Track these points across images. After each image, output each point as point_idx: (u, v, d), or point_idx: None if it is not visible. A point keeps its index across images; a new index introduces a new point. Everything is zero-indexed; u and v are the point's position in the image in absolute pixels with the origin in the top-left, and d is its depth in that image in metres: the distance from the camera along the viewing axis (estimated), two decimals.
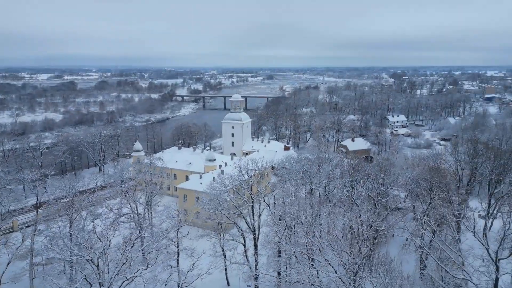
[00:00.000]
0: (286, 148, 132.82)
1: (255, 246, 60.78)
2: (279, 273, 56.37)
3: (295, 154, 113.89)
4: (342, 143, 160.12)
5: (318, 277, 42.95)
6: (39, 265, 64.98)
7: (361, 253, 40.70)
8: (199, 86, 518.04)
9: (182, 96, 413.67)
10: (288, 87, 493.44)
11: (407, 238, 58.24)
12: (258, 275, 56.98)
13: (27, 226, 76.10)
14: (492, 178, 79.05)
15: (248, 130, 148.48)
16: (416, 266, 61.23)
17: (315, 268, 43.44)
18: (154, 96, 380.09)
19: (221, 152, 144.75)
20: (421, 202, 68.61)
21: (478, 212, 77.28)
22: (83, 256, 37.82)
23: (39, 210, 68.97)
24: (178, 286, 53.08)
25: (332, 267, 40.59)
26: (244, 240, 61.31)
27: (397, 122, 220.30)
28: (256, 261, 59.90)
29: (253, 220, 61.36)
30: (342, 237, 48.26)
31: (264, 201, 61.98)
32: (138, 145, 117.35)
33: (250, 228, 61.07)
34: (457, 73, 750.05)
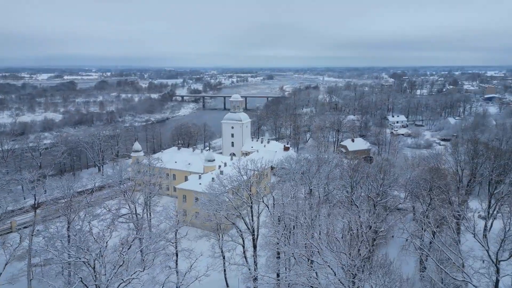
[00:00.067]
0: (286, 148, 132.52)
1: (254, 247, 60.50)
2: (278, 275, 56.06)
3: (294, 155, 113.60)
4: (342, 143, 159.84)
5: (317, 279, 42.66)
6: (37, 266, 64.63)
7: (360, 254, 40.40)
8: (199, 86, 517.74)
9: (182, 96, 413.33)
10: (288, 87, 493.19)
11: (407, 239, 57.94)
12: (257, 277, 56.67)
13: (25, 227, 75.73)
14: (492, 179, 78.70)
15: (248, 130, 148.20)
16: (416, 267, 60.92)
17: (314, 270, 43.14)
18: (154, 96, 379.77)
19: (221, 152, 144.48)
20: (421, 203, 68.32)
21: (478, 212, 76.95)
22: (80, 258, 37.52)
23: (37, 211, 68.68)
24: (176, 287, 52.80)
25: (331, 268, 40.29)
26: (243, 241, 61.02)
27: (397, 122, 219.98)
28: (255, 262, 59.62)
29: (252, 221, 61.09)
30: (342, 238, 47.99)
31: (263, 201, 61.65)
32: (137, 146, 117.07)
33: (249, 229, 60.79)
34: (457, 73, 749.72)
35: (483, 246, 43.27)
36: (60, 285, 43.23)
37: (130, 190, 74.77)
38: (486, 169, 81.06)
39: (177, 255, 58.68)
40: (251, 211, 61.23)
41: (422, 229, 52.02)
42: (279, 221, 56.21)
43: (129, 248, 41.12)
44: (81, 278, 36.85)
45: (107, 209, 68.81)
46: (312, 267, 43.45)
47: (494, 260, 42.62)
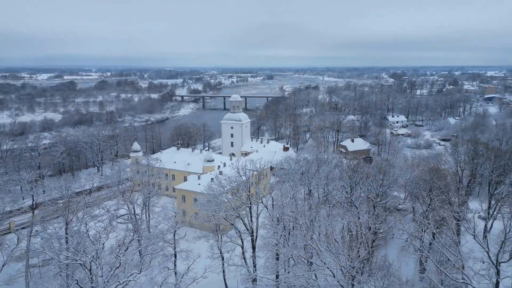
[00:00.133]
0: (285, 149, 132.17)
1: (253, 248, 60.17)
2: (277, 276, 55.74)
3: (294, 155, 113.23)
4: (341, 143, 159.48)
5: (316, 281, 42.34)
6: (35, 266, 64.31)
7: (359, 256, 40.07)
8: (199, 86, 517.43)
9: (182, 96, 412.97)
10: (288, 87, 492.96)
11: (407, 239, 57.60)
12: (256, 278, 56.34)
13: (23, 228, 75.46)
14: (492, 179, 78.36)
15: (247, 130, 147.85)
16: (416, 268, 60.61)
17: (313, 271, 42.79)
18: (154, 96, 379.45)
19: (220, 153, 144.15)
20: (421, 204, 68.00)
21: (478, 213, 76.66)
22: (76, 260, 37.18)
23: (35, 211, 68.33)
24: None
25: (330, 270, 39.97)
26: (242, 242, 60.69)
27: (397, 122, 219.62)
28: (254, 263, 59.29)
29: (251, 221, 60.77)
30: (341, 239, 47.65)
31: (262, 202, 61.32)
32: (136, 146, 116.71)
33: (248, 229, 60.46)
34: (457, 73, 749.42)
35: (483, 247, 42.93)
36: (56, 287, 42.85)
37: (128, 190, 74.48)
38: (486, 170, 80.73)
39: (175, 256, 58.34)
40: (250, 212, 60.91)
41: (422, 230, 51.68)
42: (278, 222, 55.90)
43: (126, 250, 40.78)
44: (76, 280, 36.52)
45: (106, 210, 68.53)
46: (311, 268, 43.11)
47: (495, 262, 42.27)
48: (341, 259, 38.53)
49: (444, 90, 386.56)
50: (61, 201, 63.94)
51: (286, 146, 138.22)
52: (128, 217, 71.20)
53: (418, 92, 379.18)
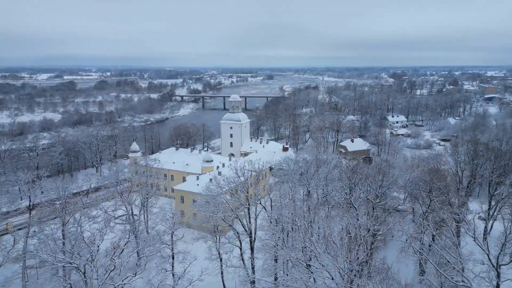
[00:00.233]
0: (285, 149, 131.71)
1: (252, 249, 59.69)
2: (276, 278, 55.29)
3: (293, 155, 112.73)
4: (341, 143, 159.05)
5: (315, 284, 41.89)
6: (32, 268, 63.85)
7: (358, 258, 39.60)
8: (199, 86, 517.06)
9: (182, 96, 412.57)
10: (288, 87, 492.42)
11: (406, 240, 57.14)
12: (254, 280, 55.88)
13: (19, 229, 74.94)
14: (492, 180, 77.89)
15: (247, 130, 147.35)
16: (415, 270, 60.13)
17: (311, 273, 42.33)
18: (154, 96, 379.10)
19: (220, 153, 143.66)
20: (420, 204, 67.55)
21: (478, 213, 76.22)
22: (70, 263, 36.67)
23: (32, 212, 67.83)
24: None
25: (329, 273, 39.49)
26: (240, 243, 60.23)
27: (397, 122, 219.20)
28: (252, 264, 58.81)
29: (250, 222, 60.28)
30: (341, 240, 47.12)
31: (260, 203, 60.84)
32: (135, 146, 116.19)
33: (246, 231, 59.99)
34: (457, 73, 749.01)
35: (483, 250, 42.44)
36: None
37: (126, 191, 73.99)
38: (486, 170, 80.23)
39: (173, 258, 57.87)
40: (249, 213, 60.44)
41: (421, 232, 51.20)
42: (276, 223, 55.42)
43: (121, 252, 40.28)
44: (70, 284, 36.02)
45: (104, 211, 68.03)
46: (309, 271, 42.64)
47: (495, 264, 41.80)
48: (340, 262, 38.05)
49: (444, 90, 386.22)
50: (58, 202, 63.47)
51: (285, 146, 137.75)
52: (126, 218, 70.73)
53: (418, 92, 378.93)
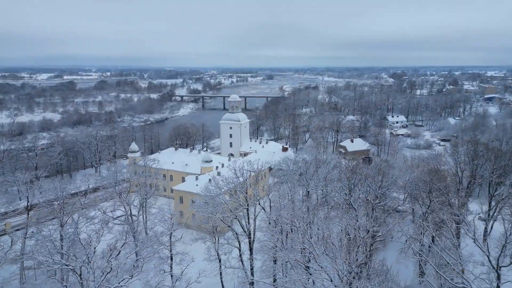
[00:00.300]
0: (284, 149, 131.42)
1: (250, 250, 59.38)
2: (275, 280, 54.98)
3: (292, 155, 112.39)
4: (341, 143, 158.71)
5: (313, 285, 41.58)
6: (30, 269, 63.51)
7: (357, 260, 39.28)
8: (199, 86, 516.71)
9: (182, 96, 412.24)
10: (287, 87, 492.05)
11: (406, 241, 56.87)
12: (253, 282, 55.57)
13: (17, 230, 74.72)
14: (493, 180, 77.57)
15: (246, 130, 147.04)
16: (415, 271, 59.82)
17: (310, 275, 42.02)
18: (153, 96, 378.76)
19: (219, 153, 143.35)
20: (420, 205, 67.22)
21: (478, 214, 75.95)
22: (67, 265, 36.32)
23: (31, 213, 67.52)
24: None
25: (328, 274, 39.17)
26: (239, 244, 59.93)
27: (397, 122, 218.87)
28: (251, 266, 58.51)
29: (248, 223, 59.98)
30: (340, 241, 46.80)
31: (259, 204, 60.52)
32: (134, 146, 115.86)
33: (245, 232, 59.69)
34: (457, 73, 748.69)
35: (483, 251, 42.10)
36: None
37: (125, 191, 73.67)
38: (486, 171, 79.87)
39: (171, 259, 57.55)
40: (247, 214, 60.13)
41: (421, 233, 50.88)
42: (275, 224, 55.09)
43: (118, 254, 39.95)
44: (66, 286, 35.69)
45: (102, 211, 67.72)
46: (308, 272, 42.33)
47: (495, 266, 41.46)
48: (338, 263, 37.74)
49: (444, 90, 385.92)
50: (56, 203, 63.15)
51: (285, 146, 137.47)
52: (125, 218, 70.43)
53: (418, 92, 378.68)
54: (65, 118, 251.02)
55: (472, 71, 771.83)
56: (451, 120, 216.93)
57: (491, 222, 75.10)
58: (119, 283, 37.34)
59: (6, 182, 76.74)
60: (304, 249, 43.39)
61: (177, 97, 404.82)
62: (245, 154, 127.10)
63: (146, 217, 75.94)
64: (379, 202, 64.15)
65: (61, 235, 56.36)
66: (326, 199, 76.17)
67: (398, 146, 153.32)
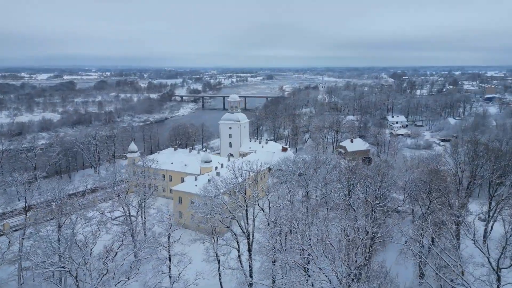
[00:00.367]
0: (284, 149, 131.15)
1: (249, 251, 59.08)
2: (274, 281, 54.66)
3: (292, 155, 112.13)
4: (340, 144, 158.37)
5: (312, 287, 41.27)
6: (28, 269, 63.19)
7: (356, 261, 38.97)
8: (199, 86, 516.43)
9: (181, 96, 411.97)
10: (287, 87, 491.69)
11: (406, 242, 56.58)
12: (252, 283, 55.27)
13: (15, 230, 74.39)
14: (493, 181, 77.26)
15: (246, 130, 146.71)
16: (415, 272, 59.52)
17: (309, 277, 41.72)
18: (153, 96, 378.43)
19: (219, 153, 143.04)
20: (420, 206, 66.90)
21: (478, 214, 75.59)
22: (63, 267, 35.98)
23: (28, 214, 67.18)
24: None
25: (327, 276, 38.86)
26: (238, 245, 59.62)
27: (397, 122, 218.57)
28: (250, 267, 58.20)
29: (247, 224, 59.67)
30: (338, 243, 46.52)
31: (258, 205, 60.22)
32: (133, 146, 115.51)
33: (244, 232, 59.39)
34: (457, 73, 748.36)
35: (483, 253, 41.77)
36: None
37: (124, 192, 73.36)
38: (486, 171, 79.56)
39: (170, 260, 57.25)
40: (246, 214, 59.84)
41: (421, 234, 50.55)
42: (274, 224, 54.78)
43: (115, 256, 39.63)
44: None
45: (100, 212, 67.43)
46: (307, 274, 42.02)
47: (495, 268, 41.14)
48: (337, 265, 37.44)
49: (444, 90, 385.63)
50: (54, 203, 62.85)
51: (284, 146, 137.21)
52: (123, 219, 70.13)
53: (418, 92, 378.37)
54: (64, 118, 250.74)
55: (472, 71, 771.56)
56: (451, 120, 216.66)
57: (491, 222, 74.79)
58: (115, 285, 37.01)
59: (4, 183, 76.36)
60: (303, 250, 43.10)
61: (177, 97, 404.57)
62: (245, 154, 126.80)
63: (145, 218, 75.64)
64: (379, 203, 63.83)
65: (58, 236, 56.10)
66: (326, 200, 75.86)
67: (398, 146, 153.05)
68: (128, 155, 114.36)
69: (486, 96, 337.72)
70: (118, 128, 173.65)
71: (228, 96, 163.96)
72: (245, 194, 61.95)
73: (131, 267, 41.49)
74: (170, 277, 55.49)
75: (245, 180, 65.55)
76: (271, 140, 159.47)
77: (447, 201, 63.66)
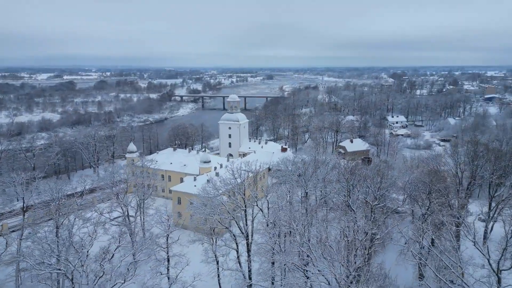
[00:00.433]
0: (283, 149, 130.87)
1: (248, 252, 58.77)
2: (273, 282, 54.38)
3: (291, 156, 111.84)
4: (340, 144, 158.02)
5: None
6: (26, 270, 62.87)
7: (355, 263, 38.66)
8: (199, 86, 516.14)
9: (181, 96, 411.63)
10: (287, 87, 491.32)
11: (406, 242, 56.27)
12: (251, 284, 54.97)
13: (13, 231, 74.08)
14: (493, 181, 76.93)
15: (245, 130, 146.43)
16: (414, 273, 59.22)
17: (308, 278, 41.42)
18: (153, 96, 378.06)
19: (218, 153, 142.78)
20: (420, 206, 66.59)
21: (478, 215, 75.24)
22: (59, 269, 35.66)
23: (26, 214, 66.82)
24: None
25: (326, 278, 38.56)
26: (237, 246, 59.30)
27: (397, 122, 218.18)
28: (249, 268, 57.90)
29: (246, 225, 59.36)
30: (337, 244, 46.21)
31: (257, 205, 59.90)
32: (132, 147, 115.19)
33: (243, 233, 59.07)
34: (457, 73, 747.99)
35: (483, 254, 41.46)
36: None
37: (122, 192, 73.06)
38: (486, 171, 79.22)
39: (168, 261, 56.95)
40: (245, 215, 59.54)
41: (420, 236, 50.22)
42: (273, 226, 54.48)
43: (111, 257, 39.31)
44: None
45: (99, 213, 67.09)
46: (306, 275, 41.70)
47: (495, 269, 40.83)
48: (336, 266, 37.13)
49: (444, 90, 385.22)
50: (52, 204, 62.51)
51: (284, 147, 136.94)
52: (122, 219, 69.81)
53: (418, 92, 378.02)
54: (64, 118, 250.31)
55: (472, 71, 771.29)
56: (451, 120, 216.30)
57: (491, 223, 74.50)
58: (112, 287, 36.70)
59: (3, 183, 76.02)
60: (301, 251, 42.79)
61: (176, 97, 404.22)
62: (244, 155, 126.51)
63: (143, 218, 75.33)
64: (378, 204, 63.49)
65: (56, 238, 55.75)
66: (325, 201, 75.54)
67: (398, 146, 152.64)
68: (127, 155, 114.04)
69: (486, 96, 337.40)
70: (118, 128, 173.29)
71: (228, 96, 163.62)
72: (244, 194, 61.67)
73: (128, 269, 41.21)
74: (168, 278, 55.23)
75: (244, 181, 65.23)
76: (270, 140, 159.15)
77: (447, 201, 63.35)
